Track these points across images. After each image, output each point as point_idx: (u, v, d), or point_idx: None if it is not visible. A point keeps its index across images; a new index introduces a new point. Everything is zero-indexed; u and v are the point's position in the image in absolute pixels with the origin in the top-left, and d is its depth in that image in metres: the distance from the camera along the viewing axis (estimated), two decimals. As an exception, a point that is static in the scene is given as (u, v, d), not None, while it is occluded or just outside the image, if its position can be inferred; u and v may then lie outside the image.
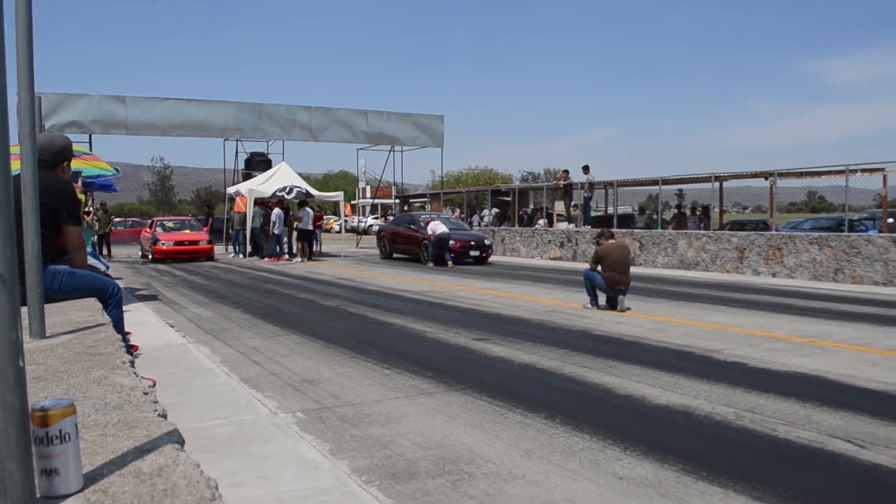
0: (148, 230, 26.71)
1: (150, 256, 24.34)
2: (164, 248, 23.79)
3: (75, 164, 9.78)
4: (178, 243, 24.09)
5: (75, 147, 5.29)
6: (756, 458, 4.39)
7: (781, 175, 19.18)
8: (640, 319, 9.95)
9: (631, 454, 4.44)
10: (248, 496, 3.69)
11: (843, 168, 17.81)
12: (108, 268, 9.63)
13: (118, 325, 4.14)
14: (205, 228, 28.17)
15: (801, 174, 19.88)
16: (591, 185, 24.64)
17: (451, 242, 20.85)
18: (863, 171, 18.45)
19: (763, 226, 21.53)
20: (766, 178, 19.74)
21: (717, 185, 22.26)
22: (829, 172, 19.30)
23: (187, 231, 25.74)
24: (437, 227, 20.90)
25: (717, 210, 24.61)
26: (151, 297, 13.20)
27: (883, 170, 18.69)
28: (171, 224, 26.90)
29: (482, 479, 4.00)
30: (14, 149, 2.50)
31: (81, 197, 8.93)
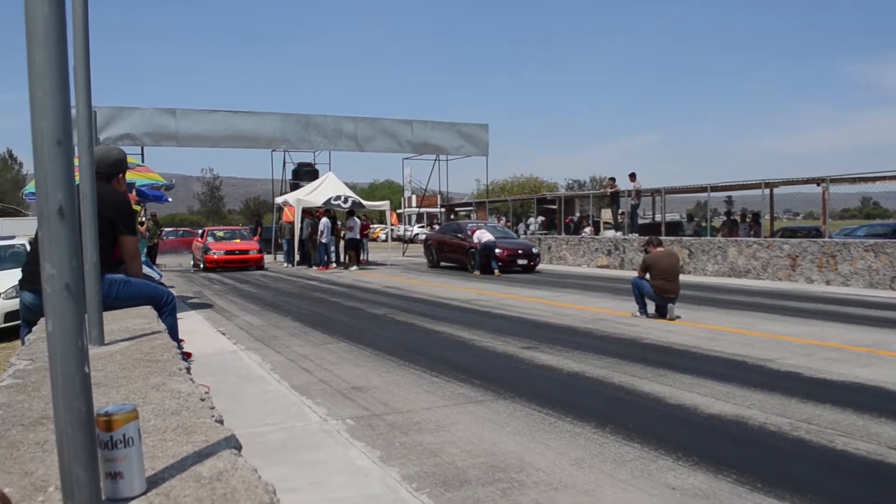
0: (199, 239, 27.06)
1: (201, 265, 24.68)
2: (216, 257, 24.10)
3: (129, 176, 10.01)
4: (228, 252, 24.47)
5: (129, 159, 5.42)
6: (813, 470, 4.30)
7: (834, 181, 18.75)
8: (690, 328, 9.81)
9: (683, 464, 4.37)
10: (300, 502, 3.73)
11: (899, 173, 17.37)
12: (161, 276, 9.82)
13: (173, 332, 4.22)
14: (255, 238, 28.41)
15: (854, 180, 19.43)
16: (638, 193, 24.39)
17: (498, 251, 20.82)
18: (920, 175, 17.97)
19: (816, 233, 21.07)
20: (819, 185, 19.32)
21: (767, 191, 21.86)
22: (883, 178, 18.84)
23: (238, 240, 26.06)
24: (483, 235, 20.91)
25: (767, 217, 24.17)
26: (203, 306, 13.43)
27: (942, 174, 18.18)
28: (221, 233, 27.25)
29: (532, 488, 3.98)
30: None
31: (137, 208, 9.13)
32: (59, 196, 1.26)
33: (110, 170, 4.56)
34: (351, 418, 5.46)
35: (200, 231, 31.15)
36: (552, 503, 3.77)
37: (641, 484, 4.05)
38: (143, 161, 24.05)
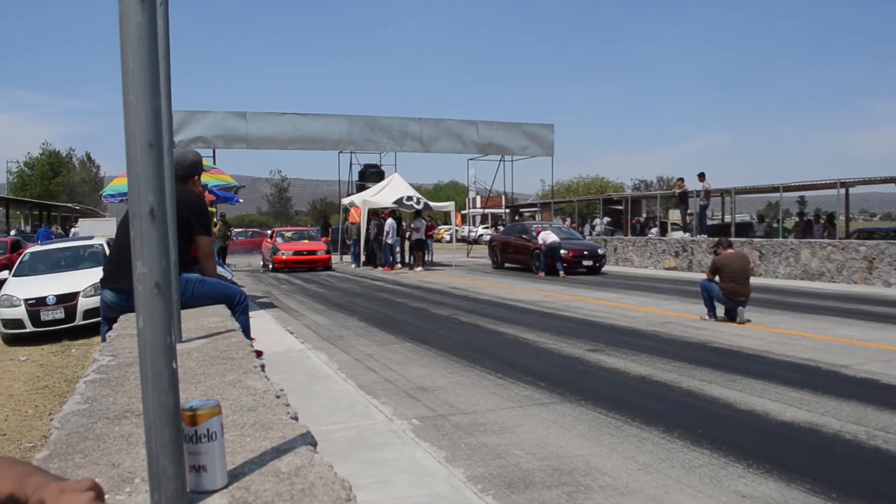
0: (269, 240, 27.32)
1: (270, 266, 24.97)
2: (284, 257, 24.26)
3: (203, 177, 10.28)
4: (297, 253, 24.62)
5: (203, 162, 5.57)
6: (891, 481, 4.16)
7: (915, 180, 18.09)
8: (760, 332, 9.59)
9: (754, 472, 4.28)
10: (367, 500, 3.78)
11: (985, 172, 16.65)
12: (233, 276, 10.06)
13: (245, 330, 4.32)
14: (323, 239, 28.53)
15: (936, 179, 18.70)
16: (707, 193, 23.91)
17: (564, 252, 20.68)
18: None
19: (894, 234, 20.34)
20: (897, 184, 18.67)
21: (842, 191, 21.19)
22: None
23: (306, 241, 26.21)
24: (548, 237, 20.80)
25: (842, 218, 23.42)
26: (271, 305, 13.69)
27: None
28: (290, 234, 27.48)
29: (598, 492, 3.95)
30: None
31: (212, 210, 9.36)
32: (150, 198, 1.32)
33: (187, 171, 4.70)
34: (416, 418, 5.50)
35: (269, 232, 31.62)
36: (619, 507, 3.74)
37: (710, 490, 3.98)
38: (214, 163, 24.64)
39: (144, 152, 1.32)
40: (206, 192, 10.49)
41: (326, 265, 25.03)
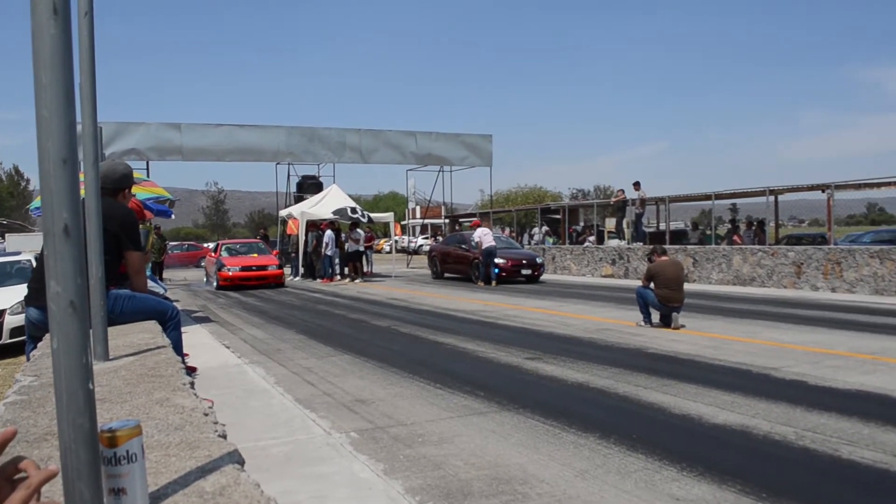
0: (212, 254, 25.00)
1: (214, 283, 22.69)
2: (231, 273, 21.88)
3: (135, 190, 10.05)
4: (245, 269, 22.23)
5: (134, 174, 5.44)
6: (819, 480, 4.29)
7: (839, 187, 18.73)
8: (694, 337, 9.80)
9: (688, 475, 4.37)
10: (305, 516, 3.74)
11: (902, 180, 17.34)
12: (166, 291, 9.85)
13: (177, 346, 4.24)
14: (274, 252, 25.84)
15: (859, 186, 19.38)
16: (643, 202, 24.39)
17: (502, 261, 20.84)
18: (924, 182, 17.95)
19: (821, 239, 21.03)
20: (823, 191, 19.29)
21: (772, 198, 21.83)
22: (889, 183, 18.80)
23: (255, 255, 23.64)
24: (485, 237, 20.83)
25: (772, 224, 24.12)
26: (207, 319, 13.45)
27: (945, 181, 18.15)
28: (237, 247, 24.96)
29: (536, 500, 3.98)
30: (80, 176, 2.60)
31: (145, 226, 9.13)
32: (64, 215, 1.29)
33: (116, 185, 4.60)
34: (355, 431, 5.46)
35: (213, 245, 30.08)
36: (556, 515, 3.78)
37: (646, 495, 4.04)
38: (148, 175, 24.13)
39: (58, 168, 1.29)
40: (144, 209, 10.25)
41: (279, 281, 22.74)
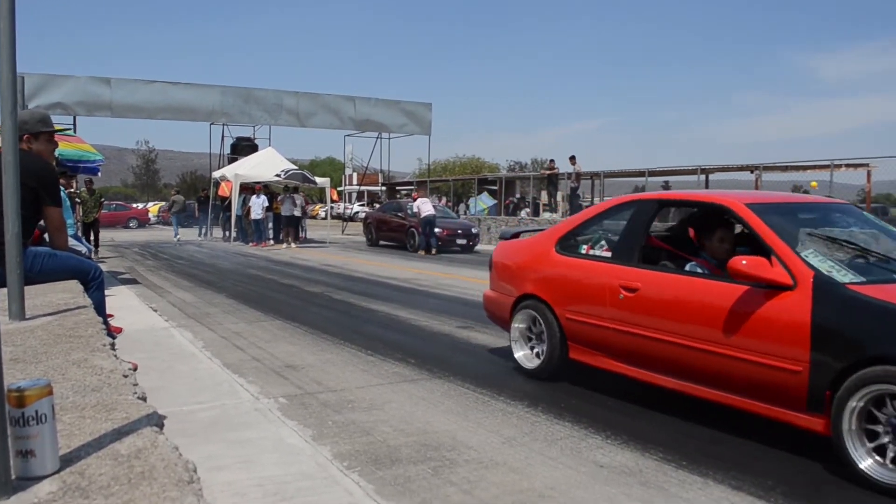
0: None
1: None
2: None
3: (61, 146, 9.69)
4: None
5: (58, 127, 5.20)
6: (734, 449, 4.43)
7: (767, 168, 19.30)
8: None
9: (612, 443, 4.47)
10: (229, 480, 3.69)
11: (828, 163, 17.95)
12: (90, 251, 9.55)
13: (99, 307, 4.12)
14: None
15: (786, 168, 20.03)
16: (578, 176, 24.67)
17: (438, 230, 20.86)
18: (847, 165, 18.61)
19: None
20: (752, 172, 19.86)
21: (703, 177, 22.35)
22: (814, 167, 19.45)
23: None
24: (424, 207, 20.83)
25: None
26: (134, 282, 13.13)
27: (867, 165, 18.87)
28: None
29: (463, 466, 4.02)
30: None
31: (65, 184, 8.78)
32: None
33: (31, 129, 4.33)
34: (284, 397, 5.41)
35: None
36: (482, 481, 3.82)
37: (571, 462, 4.12)
38: (75, 132, 23.27)
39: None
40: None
41: None
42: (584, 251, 5.93)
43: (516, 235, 6.93)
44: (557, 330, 5.79)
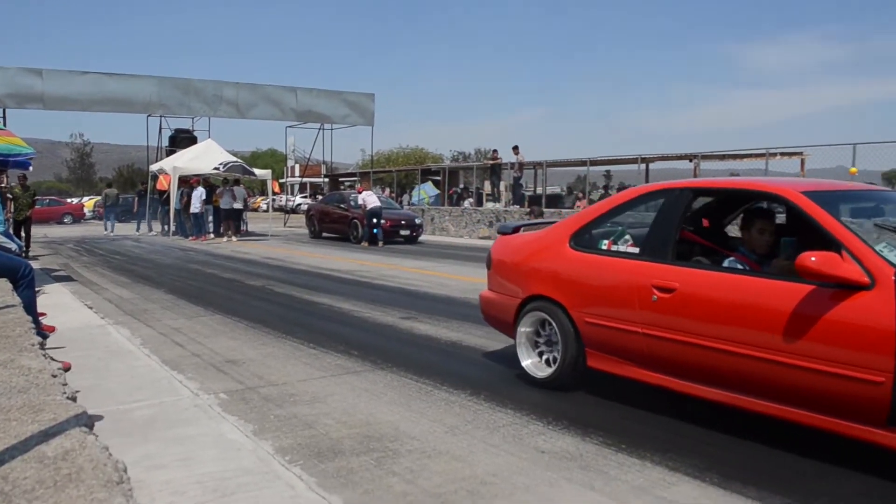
0: None
1: None
2: None
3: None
4: None
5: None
6: (672, 432, 4.54)
7: (705, 157, 19.72)
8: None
9: (553, 429, 4.54)
10: (167, 479, 3.63)
11: (763, 151, 18.42)
12: (21, 248, 9.26)
13: (30, 306, 4.02)
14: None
15: (723, 157, 20.48)
16: (521, 165, 24.85)
17: (382, 221, 20.80)
18: (782, 154, 19.15)
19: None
20: (690, 161, 20.25)
21: (643, 166, 22.73)
22: (750, 155, 19.94)
23: None
24: (370, 199, 20.74)
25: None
26: (69, 279, 12.79)
27: (801, 154, 19.45)
28: None
29: (406, 456, 4.03)
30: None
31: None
32: None
33: None
34: (224, 392, 5.35)
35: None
36: (425, 470, 3.84)
37: (513, 448, 4.17)
38: (4, 125, 22.51)
39: None
40: None
41: None
42: (604, 247, 5.28)
43: (516, 229, 6.33)
44: (574, 335, 5.20)
